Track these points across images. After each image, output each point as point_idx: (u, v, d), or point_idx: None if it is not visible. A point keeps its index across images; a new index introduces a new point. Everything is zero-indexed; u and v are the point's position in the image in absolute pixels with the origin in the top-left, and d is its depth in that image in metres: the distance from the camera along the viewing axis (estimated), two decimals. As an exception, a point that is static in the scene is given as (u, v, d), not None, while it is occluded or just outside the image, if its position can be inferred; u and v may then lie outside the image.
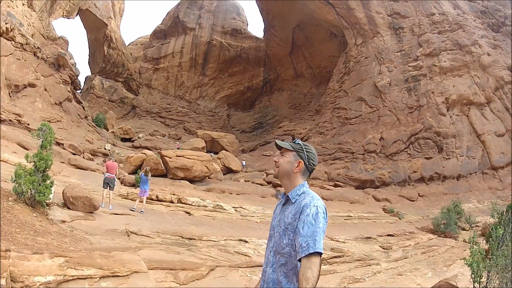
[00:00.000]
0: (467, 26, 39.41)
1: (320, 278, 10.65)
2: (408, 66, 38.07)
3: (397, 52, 39.40)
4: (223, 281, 9.08)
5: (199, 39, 63.80)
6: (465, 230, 24.76)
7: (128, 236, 11.45)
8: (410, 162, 34.14)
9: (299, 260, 2.60)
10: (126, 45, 70.66)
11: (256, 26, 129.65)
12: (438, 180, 33.23)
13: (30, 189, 10.21)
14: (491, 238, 10.46)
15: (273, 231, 2.98)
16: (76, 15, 55.64)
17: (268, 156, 41.16)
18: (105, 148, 33.44)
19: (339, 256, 14.12)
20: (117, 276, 7.11)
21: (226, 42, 64.17)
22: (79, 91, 46.68)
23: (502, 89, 36.58)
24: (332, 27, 47.16)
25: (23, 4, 37.12)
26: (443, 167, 33.42)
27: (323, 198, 27.17)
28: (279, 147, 3.08)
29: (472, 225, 25.44)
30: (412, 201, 31.48)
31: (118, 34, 65.02)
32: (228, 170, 34.64)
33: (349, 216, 25.09)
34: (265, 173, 33.44)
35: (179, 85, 65.58)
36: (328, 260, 13.32)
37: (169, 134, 52.95)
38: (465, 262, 9.54)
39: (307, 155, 3.00)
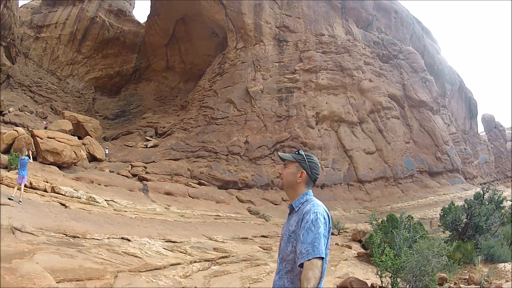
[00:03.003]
0: (354, 52, 42.35)
1: (218, 279, 11.04)
2: (284, 77, 39.63)
3: (275, 62, 40.79)
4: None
5: (84, 13, 59.72)
6: (334, 234, 26.50)
7: (13, 233, 10.56)
8: (274, 168, 35.42)
9: (301, 266, 2.71)
10: (19, 6, 64.49)
11: (141, 10, 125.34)
12: (301, 187, 34.93)
13: None
14: (389, 242, 12.00)
15: (282, 240, 3.12)
16: None
17: (131, 147, 40.10)
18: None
19: (226, 256, 14.46)
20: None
21: (109, 21, 60.93)
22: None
23: (378, 112, 40.00)
24: (216, 27, 47.45)
25: None
26: (307, 175, 35.24)
27: (189, 196, 27.67)
28: (283, 159, 3.23)
29: (340, 231, 27.30)
30: (276, 204, 32.79)
31: None
32: (92, 158, 32.89)
33: (218, 215, 25.59)
34: (130, 164, 32.59)
35: (53, 59, 61.02)
36: (217, 261, 13.65)
37: (36, 111, 49.29)
38: (372, 260, 10.85)
39: (309, 165, 3.13)
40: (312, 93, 38.86)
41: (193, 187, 30.35)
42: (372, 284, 11.39)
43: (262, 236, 21.93)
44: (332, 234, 26.45)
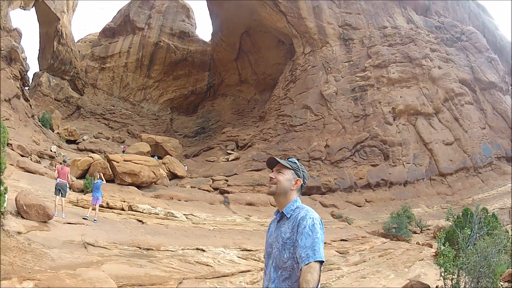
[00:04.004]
0: (419, 40, 40.67)
1: None
2: (356, 76, 38.77)
3: (345, 62, 40.06)
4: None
5: (146, 40, 62.33)
6: (416, 233, 25.49)
7: (86, 248, 10.93)
8: (356, 169, 34.61)
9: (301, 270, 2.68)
10: (75, 42, 68.18)
11: (204, 29, 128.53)
12: (385, 186, 33.95)
13: (-18, 196, 9.41)
14: (458, 239, 10.91)
15: (271, 248, 3.05)
16: (32, 7, 53.39)
17: (212, 161, 40.57)
18: (51, 150, 31.73)
19: None
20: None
21: (173, 44, 63.01)
22: (27, 88, 44.52)
23: (452, 100, 37.97)
24: (280, 35, 47.38)
25: None
26: (390, 173, 34.18)
27: (270, 205, 27.38)
28: (272, 165, 3.22)
29: (423, 229, 26.18)
30: (360, 206, 31.90)
31: (69, 30, 62.27)
32: (173, 176, 33.78)
33: None
34: (211, 179, 32.83)
35: (123, 86, 63.89)
36: None
37: (113, 137, 51.37)
38: (435, 261, 9.90)
39: (303, 174, 3.18)
40: (385, 88, 37.65)
41: (276, 196, 29.99)
42: (436, 286, 10.51)
43: (341, 240, 21.44)
44: (414, 232, 25.52)
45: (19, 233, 10.00)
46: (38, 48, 63.72)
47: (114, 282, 7.69)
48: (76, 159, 26.46)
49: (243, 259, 13.66)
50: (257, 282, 10.96)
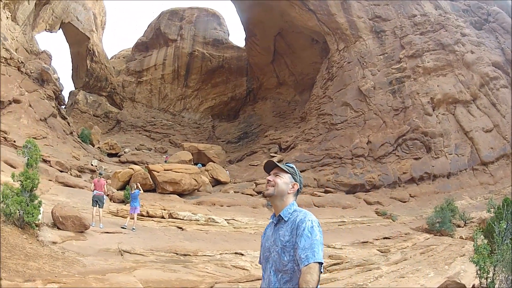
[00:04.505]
0: (449, 25, 39.53)
1: (323, 286, 10.45)
2: (392, 68, 38.06)
3: (379, 55, 39.38)
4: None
5: (180, 51, 63.43)
6: (460, 227, 24.71)
7: (122, 255, 11.18)
8: (399, 164, 33.94)
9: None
10: (109, 58, 70.02)
11: (237, 35, 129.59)
12: (429, 180, 33.16)
13: (18, 210, 9.80)
14: (494, 233, 10.35)
15: (269, 252, 3.07)
16: (59, 29, 55.19)
17: (256, 165, 40.64)
18: (91, 164, 32.76)
19: (338, 263, 13.89)
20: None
21: (208, 52, 63.83)
22: (63, 107, 46.04)
23: (487, 85, 36.77)
24: (313, 34, 47.05)
25: (7, 18, 36.61)
26: (433, 166, 33.35)
27: (314, 205, 27.14)
28: (269, 168, 3.30)
29: (466, 222, 25.40)
30: (404, 202, 31.19)
31: (101, 47, 64.48)
32: (216, 182, 34.09)
33: (342, 221, 24.77)
34: (254, 183, 32.92)
35: (162, 97, 65.16)
36: (328, 268, 13.09)
37: (155, 148, 52.41)
38: (471, 259, 9.43)
39: (299, 179, 3.27)
40: (422, 78, 36.76)
41: (319, 196, 29.92)
42: (473, 285, 10.04)
43: (384, 238, 21.01)
44: (458, 226, 24.76)
45: (54, 243, 10.32)
46: (71, 68, 65.99)
47: (142, 286, 7.74)
48: (117, 171, 27.03)
49: (281, 260, 13.52)
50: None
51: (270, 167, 3.30)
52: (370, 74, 38.40)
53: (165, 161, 38.50)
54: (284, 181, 3.17)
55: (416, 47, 37.84)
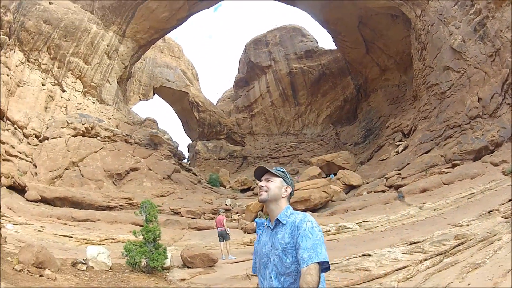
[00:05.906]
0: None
1: (437, 275, 9.92)
2: (469, 15, 35.27)
3: (454, 6, 36.59)
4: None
5: (279, 73, 64.84)
6: None
7: (249, 279, 11.77)
8: (513, 111, 30.94)
9: None
10: (215, 103, 73.51)
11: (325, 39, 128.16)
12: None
13: (143, 259, 11.05)
14: None
15: (267, 257, 3.07)
16: (153, 95, 59.40)
17: (385, 159, 39.85)
18: (226, 204, 34.78)
19: (462, 243, 12.99)
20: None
21: (305, 65, 64.37)
22: (185, 160, 49.00)
23: None
24: (390, 10, 45.57)
25: (93, 103, 40.44)
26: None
27: (443, 184, 25.85)
28: (260, 174, 3.32)
29: None
30: (529, 151, 28.33)
31: (202, 97, 68.43)
32: (350, 187, 34.26)
33: (471, 193, 22.84)
34: (385, 178, 32.42)
35: (279, 122, 66.66)
36: (450, 251, 12.20)
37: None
38: None
39: (291, 182, 3.32)
40: (498, 14, 32.62)
41: (446, 172, 28.45)
42: None
43: (509, 200, 19.01)
44: None
45: (182, 280, 11.51)
46: (181, 123, 70.28)
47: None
48: (248, 204, 28.31)
49: (407, 254, 13.05)
50: (410, 278, 10.39)
51: (260, 173, 3.33)
52: (454, 29, 35.63)
53: (297, 182, 39.19)
54: (276, 185, 3.20)
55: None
